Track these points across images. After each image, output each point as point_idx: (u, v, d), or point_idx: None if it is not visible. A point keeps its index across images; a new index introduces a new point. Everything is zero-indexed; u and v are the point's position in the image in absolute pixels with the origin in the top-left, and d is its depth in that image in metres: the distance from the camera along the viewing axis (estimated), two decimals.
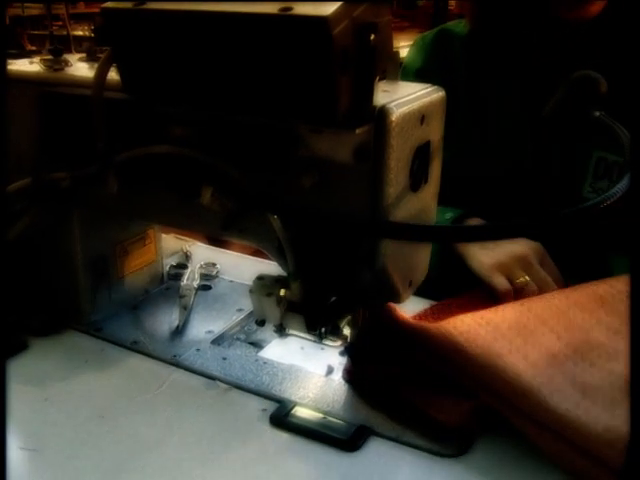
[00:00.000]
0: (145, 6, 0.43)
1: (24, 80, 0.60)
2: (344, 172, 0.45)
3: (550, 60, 0.76)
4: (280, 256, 0.49)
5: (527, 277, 0.65)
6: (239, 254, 0.85)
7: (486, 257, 0.67)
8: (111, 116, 0.50)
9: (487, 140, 0.79)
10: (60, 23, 5.61)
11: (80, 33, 4.28)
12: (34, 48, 2.84)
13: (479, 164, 0.78)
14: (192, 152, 0.48)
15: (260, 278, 0.52)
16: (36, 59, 0.62)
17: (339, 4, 0.38)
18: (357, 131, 0.42)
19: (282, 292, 0.50)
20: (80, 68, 0.58)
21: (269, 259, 0.59)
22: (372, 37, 0.41)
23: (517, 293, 0.65)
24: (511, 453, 0.50)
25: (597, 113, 0.49)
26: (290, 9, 0.38)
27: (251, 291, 0.52)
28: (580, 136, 0.52)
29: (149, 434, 0.53)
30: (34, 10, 5.69)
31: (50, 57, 0.60)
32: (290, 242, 0.47)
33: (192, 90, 0.44)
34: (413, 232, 0.41)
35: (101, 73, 0.48)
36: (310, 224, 0.45)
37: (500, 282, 0.65)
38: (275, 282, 0.51)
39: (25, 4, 5.97)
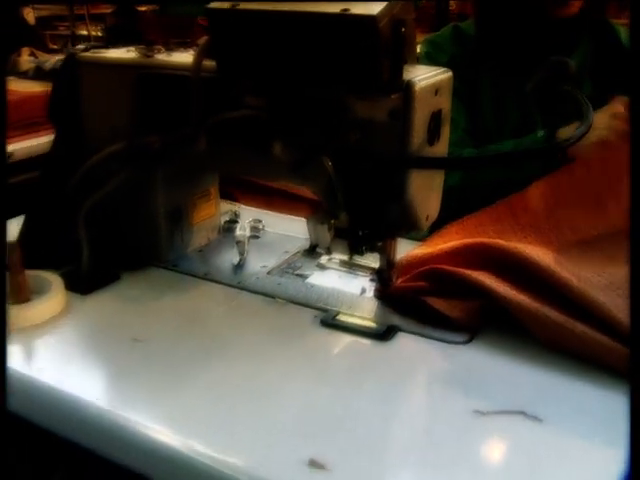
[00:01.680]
0: (239, 7, 0.60)
1: (122, 65, 0.77)
2: (381, 129, 0.62)
3: (547, 54, 0.94)
4: (330, 194, 0.67)
5: None
6: (277, 214, 1.02)
7: None
8: (202, 92, 0.68)
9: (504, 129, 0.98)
10: (67, 23, 5.76)
11: (85, 32, 4.44)
12: (56, 47, 2.99)
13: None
14: (266, 115, 0.65)
15: (315, 214, 0.69)
16: (132, 48, 0.79)
17: (383, 5, 0.55)
18: (392, 97, 0.59)
19: (332, 221, 0.67)
20: (171, 54, 0.75)
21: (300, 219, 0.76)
22: (403, 30, 0.58)
23: None
24: (505, 341, 0.68)
25: (566, 87, 0.66)
26: (349, 10, 0.55)
27: (308, 220, 0.69)
28: (554, 104, 0.69)
29: (229, 334, 0.70)
30: (43, 11, 5.84)
31: (142, 48, 0.77)
32: (339, 182, 0.65)
33: (273, 69, 0.62)
34: (432, 162, 0.59)
35: (199, 58, 0.65)
36: (355, 164, 0.63)
37: None
38: (327, 214, 0.68)
39: (35, 5, 6.11)
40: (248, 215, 0.98)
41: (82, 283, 0.77)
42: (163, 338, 0.68)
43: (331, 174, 0.64)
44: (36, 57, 2.68)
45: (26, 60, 2.65)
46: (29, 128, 1.50)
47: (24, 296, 0.72)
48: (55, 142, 0.87)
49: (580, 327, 0.62)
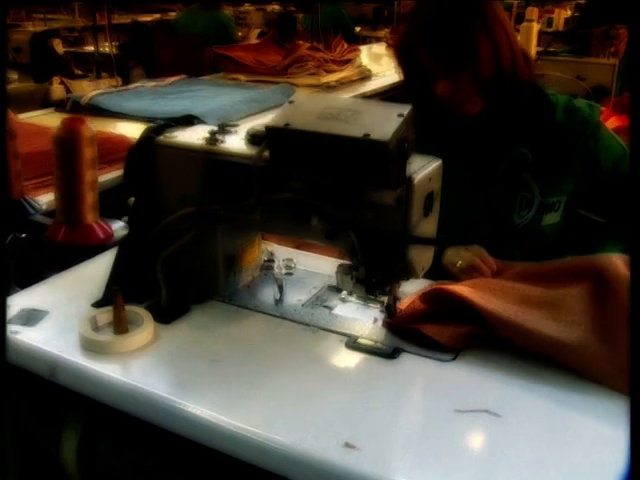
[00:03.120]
0: (289, 127, 0.86)
1: (191, 149, 1.03)
2: (390, 211, 0.88)
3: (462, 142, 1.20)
4: (353, 255, 0.93)
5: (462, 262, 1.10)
6: (304, 252, 1.28)
7: (450, 256, 1.12)
8: (257, 176, 0.93)
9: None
10: (76, 34, 5.98)
11: (92, 49, 4.63)
12: (80, 72, 3.24)
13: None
14: (306, 197, 0.91)
15: (341, 265, 0.95)
16: (201, 133, 1.04)
17: (394, 130, 0.81)
18: (398, 190, 0.85)
19: (354, 273, 0.93)
20: (232, 144, 1.01)
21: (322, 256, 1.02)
22: (406, 145, 0.84)
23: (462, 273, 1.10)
24: (480, 359, 0.94)
25: (524, 174, 0.92)
26: (369, 135, 0.81)
27: (336, 272, 0.95)
28: (515, 184, 0.94)
29: (278, 353, 0.96)
30: (57, 23, 6.07)
31: (208, 136, 1.03)
32: (360, 246, 0.91)
33: (313, 167, 0.87)
34: (419, 240, 0.85)
35: (260, 154, 0.91)
36: (371, 236, 0.89)
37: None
38: (349, 267, 0.94)
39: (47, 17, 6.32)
40: (281, 254, 1.24)
41: (164, 315, 1.03)
42: (232, 358, 0.94)
43: (354, 241, 0.90)
44: (65, 85, 2.94)
45: (57, 88, 2.91)
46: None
47: (124, 327, 0.98)
48: (136, 202, 1.12)
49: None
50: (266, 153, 0.93)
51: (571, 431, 0.82)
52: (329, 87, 2.88)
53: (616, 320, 0.89)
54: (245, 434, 0.81)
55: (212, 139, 1.02)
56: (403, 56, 1.22)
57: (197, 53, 4.06)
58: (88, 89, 3.13)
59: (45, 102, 2.93)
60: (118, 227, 0.86)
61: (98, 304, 1.07)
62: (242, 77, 3.00)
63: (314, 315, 1.05)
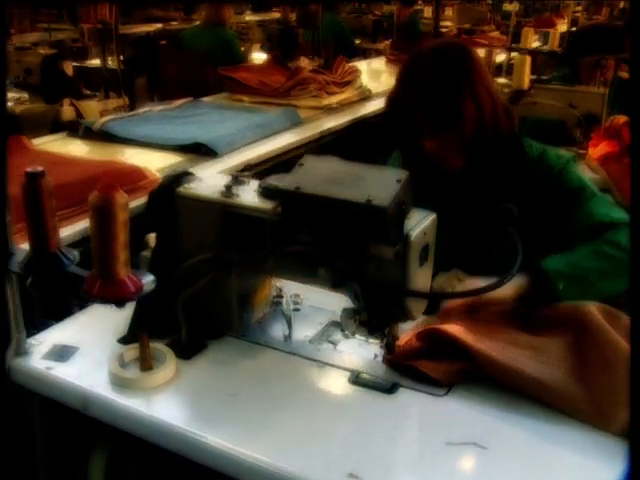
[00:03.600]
0: (299, 190, 0.97)
1: (209, 201, 1.14)
2: (389, 264, 0.99)
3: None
4: (357, 300, 1.04)
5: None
6: (311, 287, 1.39)
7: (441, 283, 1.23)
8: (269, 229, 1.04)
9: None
10: (80, 44, 6.06)
11: (98, 62, 4.71)
12: (89, 92, 3.35)
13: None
14: (314, 250, 1.02)
15: (345, 309, 1.06)
16: (217, 183, 1.15)
17: (393, 195, 0.92)
18: (397, 247, 0.96)
19: (357, 317, 1.04)
20: (246, 197, 1.12)
21: (327, 292, 1.14)
22: (403, 207, 0.95)
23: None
24: (470, 394, 1.05)
25: (510, 229, 1.03)
26: (371, 201, 0.92)
27: (341, 315, 1.06)
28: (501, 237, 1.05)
29: (289, 387, 1.07)
30: (61, 34, 6.17)
31: (224, 190, 1.13)
32: (362, 294, 1.02)
33: (321, 224, 0.98)
34: (415, 293, 0.96)
35: (274, 210, 1.02)
36: (373, 288, 0.99)
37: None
38: (353, 311, 1.05)
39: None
40: (289, 289, 1.35)
41: (184, 351, 1.14)
42: (247, 393, 1.05)
43: (357, 290, 1.01)
44: (75, 106, 3.05)
45: (67, 110, 3.02)
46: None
47: (148, 364, 1.08)
48: (157, 246, 1.23)
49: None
50: (279, 209, 1.04)
51: (552, 461, 0.93)
52: (330, 109, 2.98)
53: (591, 365, 1.00)
54: (259, 464, 0.92)
55: (228, 192, 1.13)
56: (395, 113, 1.33)
57: (202, 69, 4.17)
58: (97, 109, 3.24)
59: (55, 123, 3.04)
60: (147, 281, 0.96)
61: (124, 340, 1.17)
62: (246, 98, 3.11)
63: (320, 351, 1.16)
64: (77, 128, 2.80)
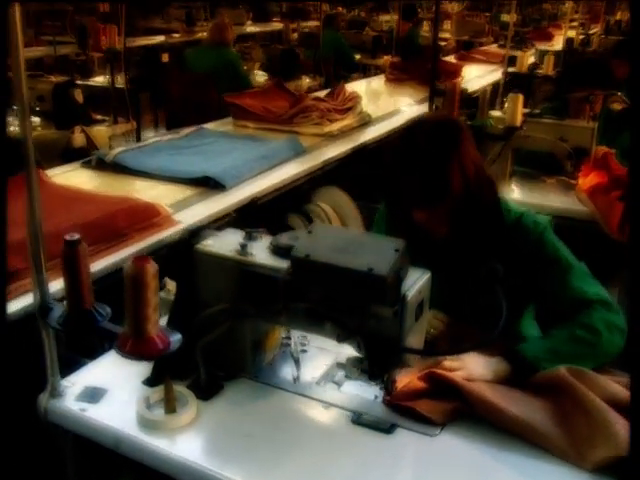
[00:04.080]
0: (309, 258, 1.10)
1: (226, 258, 1.27)
2: (388, 321, 1.12)
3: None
4: (360, 350, 1.17)
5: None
6: None
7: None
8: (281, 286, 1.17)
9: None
10: (84, 58, 6.18)
11: (103, 80, 4.82)
12: (99, 117, 3.48)
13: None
14: (321, 307, 1.15)
15: (349, 358, 1.19)
16: (232, 240, 1.28)
17: (390, 265, 1.05)
18: (395, 307, 1.09)
19: (359, 365, 1.17)
20: (260, 255, 1.25)
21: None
22: (400, 273, 1.08)
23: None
24: (462, 433, 1.18)
25: (496, 287, 1.17)
26: (372, 269, 1.05)
27: (345, 364, 1.19)
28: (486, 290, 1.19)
29: (297, 427, 1.19)
30: (65, 48, 6.29)
31: (239, 248, 1.26)
32: (364, 346, 1.15)
33: (328, 286, 1.11)
34: (411, 350, 1.09)
35: (286, 272, 1.15)
36: (374, 341, 1.13)
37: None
38: (356, 360, 1.18)
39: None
40: (296, 331, 1.48)
41: (203, 393, 1.27)
42: (261, 432, 1.18)
43: (359, 343, 1.14)
44: (86, 133, 3.18)
45: (78, 137, 3.15)
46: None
47: (172, 407, 1.21)
48: (177, 295, 1.36)
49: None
50: (290, 270, 1.17)
51: None
52: (332, 136, 3.12)
53: (569, 413, 1.14)
54: None
55: (243, 251, 1.26)
56: (387, 185, 1.46)
57: (205, 89, 4.31)
58: (106, 135, 3.38)
59: (67, 149, 3.17)
60: (174, 340, 1.09)
61: (148, 382, 1.30)
62: (250, 125, 3.24)
63: (326, 392, 1.29)
64: (88, 155, 2.94)
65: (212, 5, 9.01)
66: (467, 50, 6.66)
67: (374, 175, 3.73)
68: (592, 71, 2.72)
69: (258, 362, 1.35)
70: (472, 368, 1.24)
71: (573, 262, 1.41)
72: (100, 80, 4.94)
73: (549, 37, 8.16)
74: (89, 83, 4.76)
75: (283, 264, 1.20)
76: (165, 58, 5.69)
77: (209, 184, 2.36)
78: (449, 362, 1.25)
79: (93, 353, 1.44)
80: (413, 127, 1.46)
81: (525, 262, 1.39)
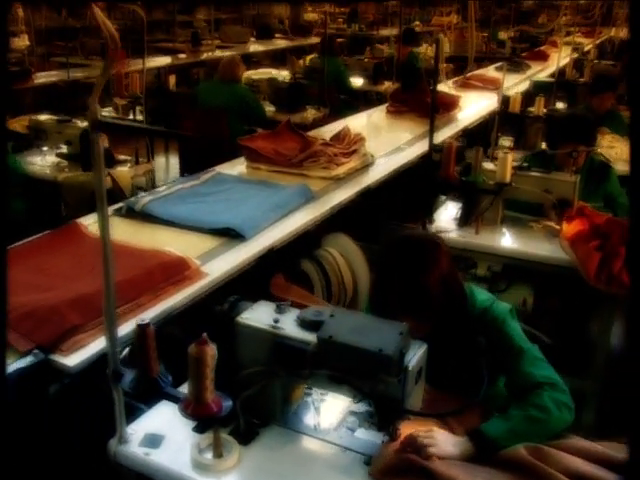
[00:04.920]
0: (332, 339, 1.41)
1: (261, 330, 1.58)
2: (393, 386, 1.43)
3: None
4: (372, 407, 1.48)
5: None
6: None
7: None
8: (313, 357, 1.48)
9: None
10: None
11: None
12: (121, 157, 3.79)
13: None
14: (342, 374, 1.46)
15: (361, 413, 1.50)
16: (265, 312, 1.59)
17: (396, 346, 1.36)
18: (399, 377, 1.41)
19: (370, 419, 1.48)
20: (289, 328, 1.56)
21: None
22: (403, 351, 1.39)
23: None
24: None
25: (481, 360, 1.48)
26: (382, 350, 1.36)
27: (358, 417, 1.50)
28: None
29: (319, 471, 1.50)
30: (78, 72, 6.59)
31: (272, 322, 1.57)
32: (375, 405, 1.46)
33: (347, 359, 1.43)
34: (412, 412, 1.40)
35: (314, 346, 1.46)
36: (382, 403, 1.44)
37: None
38: (367, 414, 1.49)
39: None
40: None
41: (243, 438, 1.58)
42: (290, 473, 1.49)
43: (370, 402, 1.45)
44: (111, 175, 3.50)
45: (105, 179, 3.45)
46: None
47: (220, 452, 1.52)
48: (219, 358, 1.67)
49: None
50: (316, 345, 1.48)
51: None
52: (338, 179, 3.43)
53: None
54: None
55: (275, 325, 1.57)
56: (375, 295, 1.78)
57: (219, 124, 4.62)
58: (129, 176, 3.69)
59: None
60: (226, 405, 1.40)
61: (197, 429, 1.61)
62: (262, 167, 3.55)
63: (342, 438, 1.60)
64: (114, 195, 3.26)
65: (217, 24, 9.33)
66: (463, 71, 6.96)
67: (374, 217, 4.07)
68: (575, 127, 3.04)
69: (286, 412, 1.66)
70: (442, 446, 1.51)
71: (526, 347, 1.69)
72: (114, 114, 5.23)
73: (544, 57, 8.49)
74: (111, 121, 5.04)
75: (309, 337, 1.51)
76: (172, 80, 6.03)
77: (230, 234, 2.67)
78: (424, 438, 1.51)
79: (148, 401, 1.75)
80: (398, 245, 1.77)
81: (493, 344, 1.69)
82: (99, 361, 1.87)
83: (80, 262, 2.43)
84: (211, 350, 1.35)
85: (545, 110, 4.19)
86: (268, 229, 2.78)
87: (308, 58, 6.47)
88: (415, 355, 1.45)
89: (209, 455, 1.53)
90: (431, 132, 3.00)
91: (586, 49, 9.05)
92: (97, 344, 1.92)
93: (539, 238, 2.86)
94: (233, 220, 2.72)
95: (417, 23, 12.95)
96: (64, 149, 3.70)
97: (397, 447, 1.52)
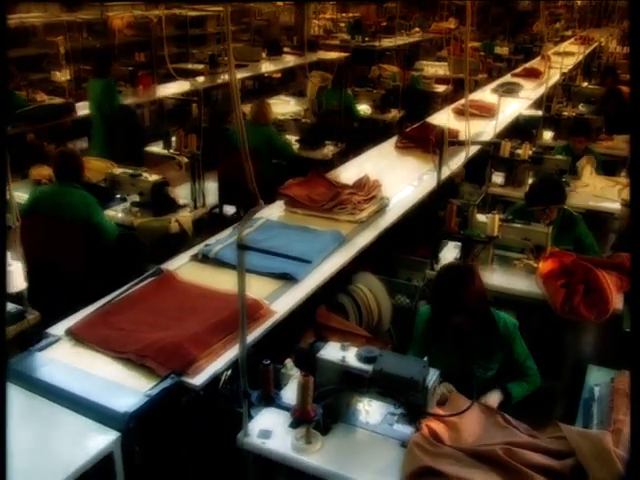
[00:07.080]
0: (382, 371, 2.40)
1: (333, 362, 2.55)
2: (419, 397, 2.42)
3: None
4: (405, 410, 2.47)
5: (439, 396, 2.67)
6: None
7: None
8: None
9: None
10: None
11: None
12: (181, 203, 4.75)
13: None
14: (387, 391, 2.45)
15: (399, 414, 2.49)
16: (335, 353, 2.56)
17: (421, 373, 2.34)
18: (423, 392, 2.39)
19: (404, 417, 2.48)
20: (353, 361, 2.53)
21: None
22: (426, 377, 2.37)
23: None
24: None
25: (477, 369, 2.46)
26: (412, 377, 2.35)
27: (396, 419, 2.49)
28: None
29: (371, 453, 2.49)
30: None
31: (341, 358, 2.55)
32: (407, 408, 2.45)
33: (391, 385, 2.41)
34: (429, 413, 2.40)
35: (369, 374, 2.45)
36: (412, 407, 2.44)
37: None
38: (402, 415, 2.48)
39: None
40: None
41: (322, 431, 2.56)
42: (354, 454, 2.47)
43: (404, 408, 2.44)
44: (179, 222, 4.45)
45: (174, 225, 4.42)
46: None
47: (309, 439, 2.50)
48: (304, 376, 2.65)
49: None
50: (371, 374, 2.45)
51: None
52: (361, 222, 4.40)
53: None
54: None
55: (342, 359, 2.54)
56: (434, 301, 2.84)
57: (252, 163, 5.56)
58: (190, 219, 4.66)
59: (165, 235, 4.44)
60: (319, 412, 2.37)
61: (292, 425, 2.59)
62: (299, 211, 4.52)
63: (385, 429, 2.58)
64: (180, 238, 4.24)
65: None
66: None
67: (388, 252, 5.10)
68: (546, 191, 4.02)
69: (348, 413, 2.64)
70: (490, 401, 2.62)
71: (526, 349, 2.89)
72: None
73: (537, 75, 9.44)
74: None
75: (366, 367, 2.48)
76: (195, 110, 6.92)
77: (286, 277, 3.64)
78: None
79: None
80: (445, 271, 2.96)
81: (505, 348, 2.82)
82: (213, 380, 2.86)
83: (181, 305, 3.39)
84: (310, 379, 2.33)
85: (530, 152, 5.15)
86: (313, 271, 3.76)
87: (321, 90, 7.36)
88: (431, 379, 2.44)
89: (303, 442, 2.51)
90: (439, 171, 3.98)
91: (575, 62, 9.97)
92: (210, 368, 2.90)
93: (521, 275, 3.85)
94: (288, 267, 3.69)
95: (417, 30, 13.84)
96: (136, 198, 4.65)
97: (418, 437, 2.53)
